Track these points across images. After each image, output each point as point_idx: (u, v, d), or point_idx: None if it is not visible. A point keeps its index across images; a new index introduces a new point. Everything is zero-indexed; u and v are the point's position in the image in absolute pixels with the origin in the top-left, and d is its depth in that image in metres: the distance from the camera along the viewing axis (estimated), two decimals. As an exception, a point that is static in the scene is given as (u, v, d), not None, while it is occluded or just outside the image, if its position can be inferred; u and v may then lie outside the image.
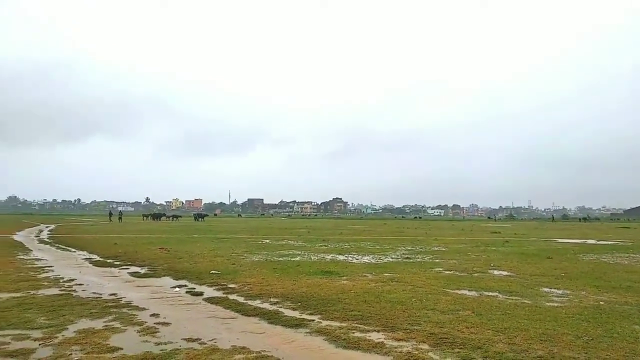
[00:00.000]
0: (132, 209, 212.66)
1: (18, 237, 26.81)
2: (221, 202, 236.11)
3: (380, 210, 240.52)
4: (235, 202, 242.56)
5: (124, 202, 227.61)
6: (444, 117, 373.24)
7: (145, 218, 73.16)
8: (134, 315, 7.10)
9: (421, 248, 20.62)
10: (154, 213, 79.14)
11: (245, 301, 8.29)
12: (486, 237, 31.12)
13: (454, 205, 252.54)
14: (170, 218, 72.33)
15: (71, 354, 5.10)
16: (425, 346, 5.60)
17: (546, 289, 9.72)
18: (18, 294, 8.57)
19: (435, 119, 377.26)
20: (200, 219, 69.48)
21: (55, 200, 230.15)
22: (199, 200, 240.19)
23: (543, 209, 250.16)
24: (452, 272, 12.43)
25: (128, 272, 12.07)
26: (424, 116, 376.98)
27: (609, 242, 26.16)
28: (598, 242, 26.17)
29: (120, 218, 61.71)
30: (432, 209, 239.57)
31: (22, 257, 15.49)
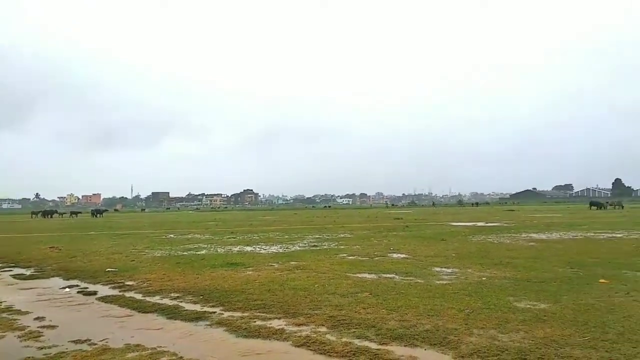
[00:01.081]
0: (20, 206, 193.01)
1: None
2: (123, 197, 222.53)
3: (292, 201, 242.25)
4: (138, 196, 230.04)
5: (8, 199, 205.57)
6: (357, 111, 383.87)
7: (34, 216, 66.75)
8: (15, 320, 6.51)
9: (328, 236, 21.16)
10: (44, 210, 72.35)
11: (143, 298, 7.95)
12: (389, 223, 32.73)
13: (361, 194, 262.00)
14: (68, 215, 66.75)
15: None
16: (324, 329, 5.80)
17: (438, 269, 10.49)
18: None
19: (349, 112, 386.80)
20: (98, 215, 64.99)
21: None
22: (97, 195, 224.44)
23: (441, 196, 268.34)
24: (355, 257, 12.93)
25: (10, 275, 11.02)
26: (339, 109, 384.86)
27: (496, 224, 28.81)
28: (486, 224, 28.71)
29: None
30: (341, 198, 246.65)
31: None
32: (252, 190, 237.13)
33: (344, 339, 5.35)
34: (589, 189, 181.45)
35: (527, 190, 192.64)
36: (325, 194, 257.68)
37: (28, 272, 11.31)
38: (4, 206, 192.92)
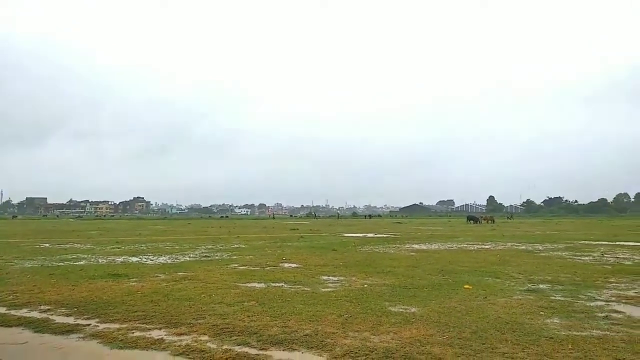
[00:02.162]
0: None
1: None
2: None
3: (187, 210, 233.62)
4: (9, 201, 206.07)
5: None
6: (258, 120, 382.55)
7: None
8: None
9: (222, 246, 20.86)
10: None
11: (7, 311, 7.26)
12: (285, 233, 33.11)
13: (260, 204, 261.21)
14: None
15: None
16: (206, 337, 5.80)
17: (325, 277, 10.93)
18: None
19: (251, 121, 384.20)
20: (-42, 222, 57.03)
21: None
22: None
23: (338, 207, 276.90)
24: (246, 267, 12.95)
25: None
26: (242, 118, 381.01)
27: (384, 235, 30.53)
28: (375, 235, 30.32)
29: None
30: (239, 208, 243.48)
31: None
32: (143, 197, 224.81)
33: (224, 346, 5.41)
34: (467, 204, 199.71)
35: (415, 204, 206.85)
36: (223, 204, 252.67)
37: None
38: None
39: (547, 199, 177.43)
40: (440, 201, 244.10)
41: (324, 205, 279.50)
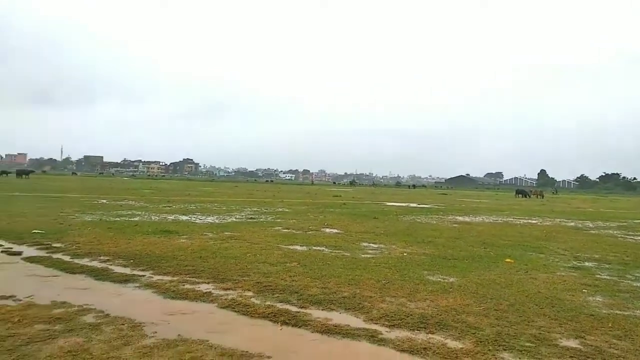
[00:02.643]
0: None
1: None
2: (51, 159, 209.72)
3: (233, 173, 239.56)
4: (68, 158, 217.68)
5: None
6: (310, 86, 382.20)
7: None
8: None
9: (266, 209, 21.46)
10: None
11: (71, 260, 7.92)
12: (327, 200, 33.49)
13: (304, 170, 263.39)
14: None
15: None
16: (250, 293, 6.15)
17: (365, 244, 11.12)
18: None
19: (302, 87, 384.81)
20: (24, 176, 61.16)
21: None
22: (22, 155, 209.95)
23: (381, 177, 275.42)
24: (289, 230, 13.34)
25: None
26: (288, 85, 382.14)
27: (427, 206, 30.32)
28: (418, 206, 30.15)
29: None
30: (284, 173, 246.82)
31: None
32: (192, 159, 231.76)
33: (267, 302, 5.73)
34: (517, 177, 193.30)
35: (461, 176, 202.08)
36: (268, 168, 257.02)
37: (-56, 231, 10.75)
38: None
39: (603, 174, 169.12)
40: (488, 173, 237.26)
41: (368, 174, 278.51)
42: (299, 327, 4.96)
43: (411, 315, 5.42)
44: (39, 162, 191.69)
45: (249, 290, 6.30)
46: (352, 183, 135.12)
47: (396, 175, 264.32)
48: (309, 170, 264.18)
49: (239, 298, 5.89)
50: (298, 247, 10.21)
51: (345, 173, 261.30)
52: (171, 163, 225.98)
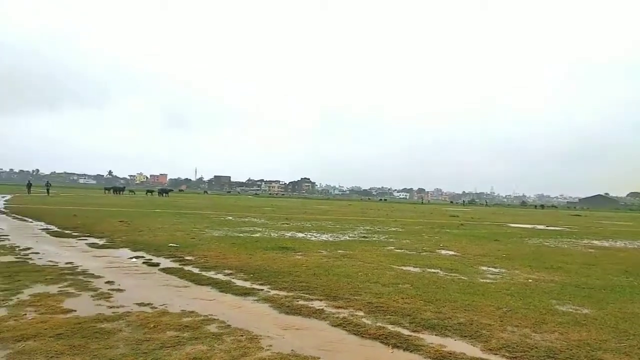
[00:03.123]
0: (94, 181, 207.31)
1: (-28, 206, 26.09)
2: (187, 179, 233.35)
3: (348, 192, 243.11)
4: (201, 178, 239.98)
5: (85, 174, 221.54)
6: (417, 105, 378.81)
7: (107, 192, 71.80)
8: (89, 282, 7.36)
9: (379, 228, 21.37)
10: (114, 187, 77.54)
11: (199, 272, 8.65)
12: (444, 220, 32.29)
13: (419, 188, 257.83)
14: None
15: (25, 314, 5.37)
16: (361, 313, 6.14)
17: (484, 268, 10.48)
18: (-28, 261, 8.64)
19: (411, 105, 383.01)
20: (164, 194, 68.70)
21: (12, 169, 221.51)
22: (164, 176, 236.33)
23: (504, 195, 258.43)
24: (402, 250, 13.11)
25: (86, 243, 12.18)
26: (402, 102, 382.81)
27: (557, 228, 27.65)
28: (547, 228, 27.63)
29: (48, 190, 53.35)
30: (398, 192, 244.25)
31: (-24, 225, 15.27)
32: (309, 179, 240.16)
33: (378, 324, 5.66)
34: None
35: (599, 195, 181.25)
36: (382, 187, 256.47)
37: (101, 242, 12.46)
38: (81, 181, 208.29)
39: None
40: (632, 193, 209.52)
41: (489, 192, 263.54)
42: (411, 351, 4.81)
43: (536, 347, 4.96)
44: (177, 182, 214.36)
45: (360, 310, 6.29)
46: (470, 202, 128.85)
47: (521, 195, 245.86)
48: (424, 189, 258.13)
49: (350, 317, 5.91)
50: (411, 268, 9.97)
51: (464, 192, 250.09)
52: (290, 182, 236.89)
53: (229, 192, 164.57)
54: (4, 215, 20.75)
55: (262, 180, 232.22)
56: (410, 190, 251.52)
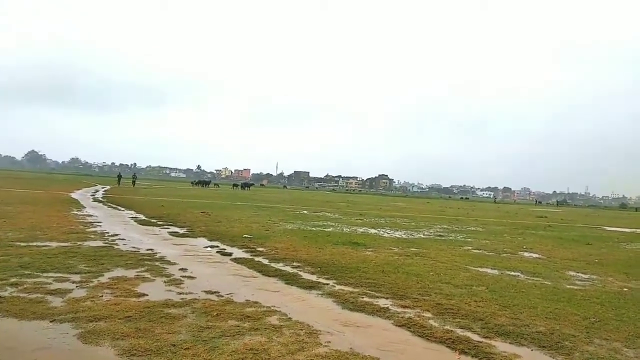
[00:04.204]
0: (184, 175, 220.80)
1: (75, 195, 28.81)
2: (268, 173, 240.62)
3: (427, 189, 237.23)
4: (282, 173, 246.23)
5: (176, 168, 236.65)
6: (505, 106, 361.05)
7: (193, 184, 76.14)
8: (164, 268, 7.71)
9: (457, 227, 20.49)
10: (201, 180, 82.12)
11: (268, 263, 8.75)
12: (529, 221, 30.30)
13: (504, 187, 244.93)
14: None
15: (102, 295, 5.70)
16: (429, 314, 5.81)
17: (572, 273, 9.58)
18: (66, 244, 9.43)
19: (498, 104, 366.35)
20: (246, 188, 71.37)
21: (113, 163, 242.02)
22: (247, 170, 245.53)
23: (601, 197, 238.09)
24: (480, 251, 12.40)
25: (168, 232, 12.86)
26: (487, 103, 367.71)
27: (662, 233, 24.83)
28: (650, 233, 24.91)
29: (133, 182, 56.32)
30: (481, 191, 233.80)
31: (75, 212, 16.77)
32: (386, 175, 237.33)
33: (446, 327, 5.32)
34: None
35: None
36: (464, 185, 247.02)
37: (181, 231, 13.10)
38: (172, 174, 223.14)
39: None
40: None
41: (583, 193, 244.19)
42: (480, 358, 4.44)
43: (628, 366, 4.36)
44: (259, 176, 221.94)
45: (428, 311, 5.96)
46: (561, 203, 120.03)
47: (621, 196, 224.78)
48: (510, 188, 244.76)
49: (416, 318, 5.61)
50: (488, 270, 9.36)
51: (554, 192, 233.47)
52: (367, 178, 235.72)
53: (307, 187, 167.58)
54: (101, 204, 22.64)
55: (339, 176, 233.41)
56: (494, 190, 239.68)
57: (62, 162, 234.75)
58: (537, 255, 12.12)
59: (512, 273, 9.17)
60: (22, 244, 9.06)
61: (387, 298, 6.51)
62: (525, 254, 12.38)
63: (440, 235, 16.08)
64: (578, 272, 9.70)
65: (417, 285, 7.39)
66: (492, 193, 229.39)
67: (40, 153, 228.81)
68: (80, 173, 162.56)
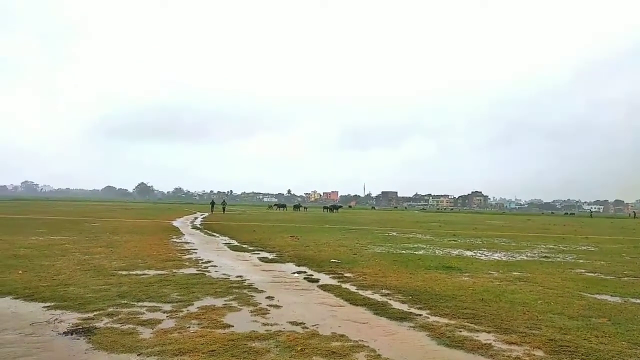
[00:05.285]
0: (276, 199, 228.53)
1: (176, 223, 30.66)
2: (356, 195, 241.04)
3: (526, 205, 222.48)
4: (369, 194, 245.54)
5: (268, 194, 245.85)
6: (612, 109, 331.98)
7: (277, 208, 78.78)
8: (252, 296, 7.64)
9: (565, 247, 18.58)
10: (278, 203, 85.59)
11: (356, 290, 8.36)
12: (652, 237, 26.76)
13: (616, 200, 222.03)
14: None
15: (189, 327, 5.69)
16: (540, 352, 5.05)
17: None
18: (163, 272, 9.80)
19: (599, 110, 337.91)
20: (334, 210, 71.70)
21: (212, 191, 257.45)
22: (335, 193, 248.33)
23: None
24: (596, 274, 10.99)
25: (258, 257, 13.00)
26: (588, 107, 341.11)
27: None
28: None
29: (223, 208, 56.81)
30: (588, 205, 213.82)
31: (174, 240, 17.68)
32: (480, 192, 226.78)
33: (563, 369, 4.55)
34: None
35: None
36: (569, 199, 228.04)
37: (270, 256, 13.18)
38: (265, 199, 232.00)
39: None
40: None
41: None
42: (611, 413, 3.67)
43: None
44: (347, 198, 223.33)
45: (539, 348, 5.18)
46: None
47: None
48: (622, 201, 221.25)
49: (525, 357, 4.89)
50: (608, 298, 8.16)
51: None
52: (460, 196, 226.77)
53: (396, 207, 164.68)
54: (198, 230, 23.79)
55: (429, 195, 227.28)
56: (604, 203, 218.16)
57: (167, 192, 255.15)
58: (668, 279, 10.43)
59: (639, 301, 7.89)
60: (124, 272, 9.57)
61: (489, 332, 5.81)
62: (653, 277, 10.73)
63: (546, 257, 14.59)
64: None
65: (523, 317, 6.57)
66: (602, 207, 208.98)
67: (148, 185, 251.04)
68: (182, 202, 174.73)
